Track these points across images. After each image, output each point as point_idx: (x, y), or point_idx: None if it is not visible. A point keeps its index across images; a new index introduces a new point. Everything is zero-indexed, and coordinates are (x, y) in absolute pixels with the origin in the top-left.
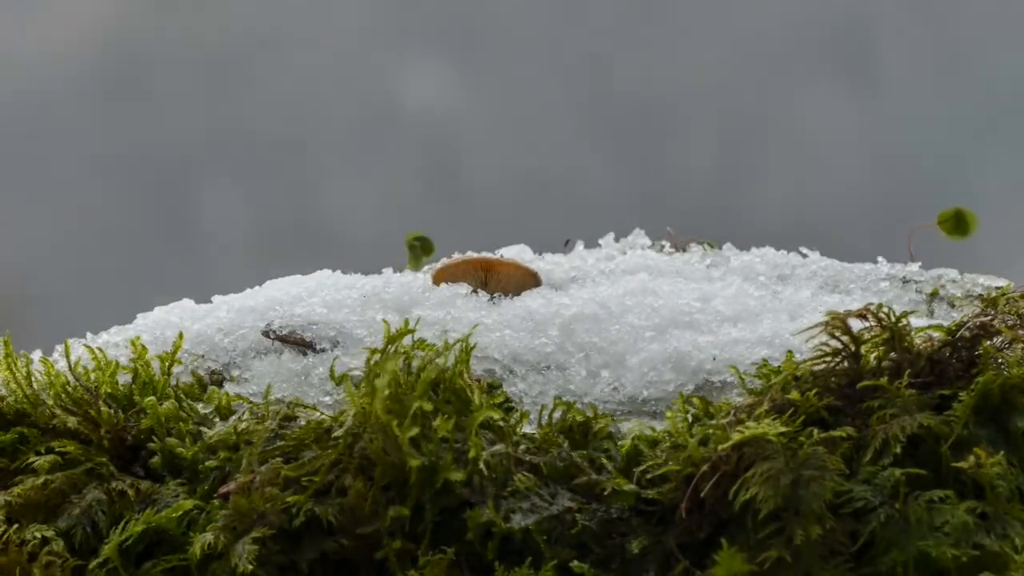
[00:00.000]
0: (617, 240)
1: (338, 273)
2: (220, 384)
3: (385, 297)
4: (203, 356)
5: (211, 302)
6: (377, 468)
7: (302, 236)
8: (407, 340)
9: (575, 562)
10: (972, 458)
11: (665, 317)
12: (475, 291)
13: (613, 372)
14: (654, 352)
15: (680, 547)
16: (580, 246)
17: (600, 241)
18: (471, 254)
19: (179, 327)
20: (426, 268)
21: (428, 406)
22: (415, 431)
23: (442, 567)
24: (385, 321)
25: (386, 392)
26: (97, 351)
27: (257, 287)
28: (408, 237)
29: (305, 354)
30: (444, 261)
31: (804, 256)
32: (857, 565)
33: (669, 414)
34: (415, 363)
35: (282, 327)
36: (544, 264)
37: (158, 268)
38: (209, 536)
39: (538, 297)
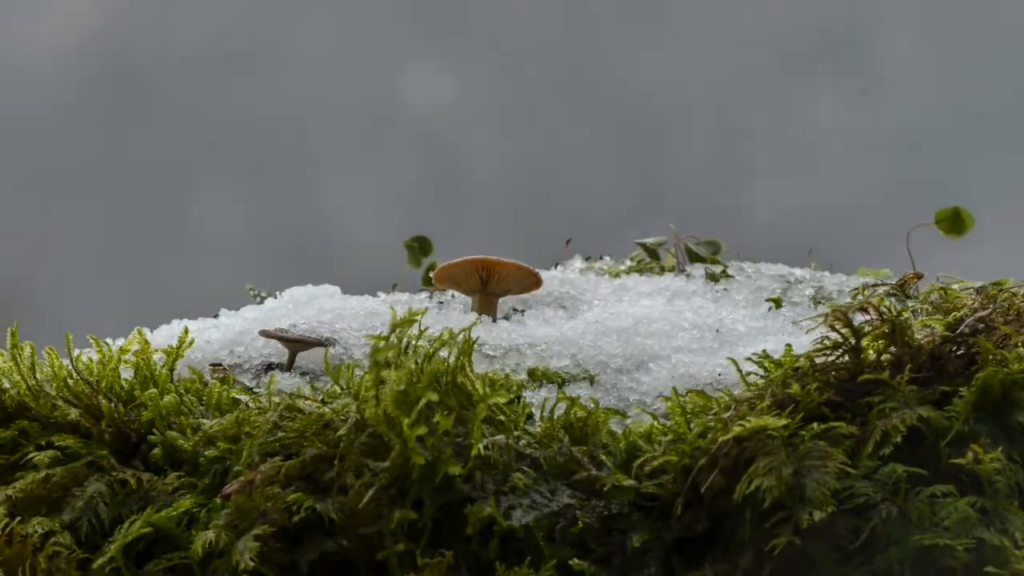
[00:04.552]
0: (613, 256)
1: (337, 289)
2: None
3: (387, 313)
4: (204, 358)
5: (216, 316)
6: (380, 466)
7: (302, 238)
8: (413, 330)
9: (575, 560)
10: (970, 454)
11: (668, 334)
12: (479, 317)
13: (615, 386)
14: (656, 368)
15: (680, 541)
16: (581, 262)
17: (600, 257)
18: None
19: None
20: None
21: (435, 397)
22: (423, 430)
23: (441, 570)
24: (392, 308)
25: (401, 387)
26: (103, 344)
27: (256, 303)
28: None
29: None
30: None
31: (805, 269)
32: (859, 562)
33: (668, 406)
34: (420, 355)
35: (286, 331)
36: (547, 280)
37: (158, 271)
38: (211, 534)
39: (541, 316)
